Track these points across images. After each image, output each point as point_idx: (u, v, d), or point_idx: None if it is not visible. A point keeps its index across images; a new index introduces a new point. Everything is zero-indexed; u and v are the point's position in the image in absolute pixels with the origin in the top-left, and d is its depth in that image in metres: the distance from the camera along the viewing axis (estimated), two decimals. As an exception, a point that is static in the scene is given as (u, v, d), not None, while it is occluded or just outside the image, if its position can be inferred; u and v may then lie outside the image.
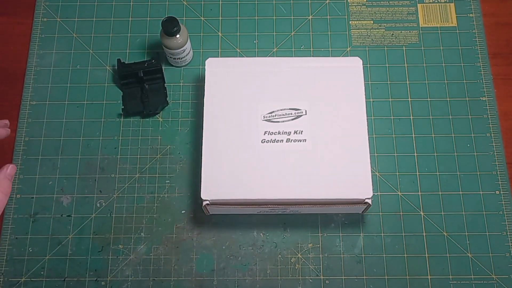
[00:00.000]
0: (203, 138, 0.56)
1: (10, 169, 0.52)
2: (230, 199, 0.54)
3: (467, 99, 0.66)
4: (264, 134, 0.56)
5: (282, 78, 0.59)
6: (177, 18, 0.61)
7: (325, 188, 0.54)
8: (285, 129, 0.56)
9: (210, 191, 0.54)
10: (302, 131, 0.56)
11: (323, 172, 0.55)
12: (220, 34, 0.69)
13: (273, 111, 0.57)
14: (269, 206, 0.55)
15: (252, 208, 0.56)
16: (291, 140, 0.56)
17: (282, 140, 0.56)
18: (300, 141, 0.56)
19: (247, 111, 0.57)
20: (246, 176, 0.54)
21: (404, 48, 0.69)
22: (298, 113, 0.57)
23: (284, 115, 0.57)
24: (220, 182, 0.54)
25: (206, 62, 0.59)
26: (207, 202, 0.54)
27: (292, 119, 0.57)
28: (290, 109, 0.57)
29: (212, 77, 0.59)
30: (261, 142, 0.56)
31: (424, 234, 0.60)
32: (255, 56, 0.68)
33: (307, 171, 0.55)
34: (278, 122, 0.57)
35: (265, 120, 0.57)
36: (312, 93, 0.58)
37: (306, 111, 0.57)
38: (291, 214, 0.60)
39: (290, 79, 0.59)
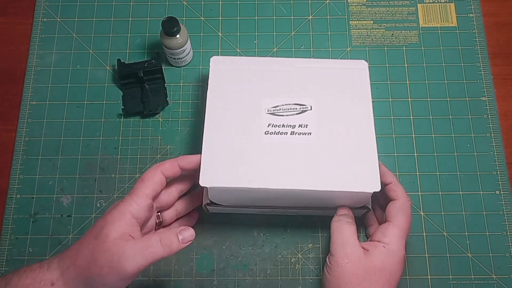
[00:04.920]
0: (205, 126, 0.55)
1: (186, 233, 0.48)
2: (229, 187, 0.52)
3: (467, 99, 0.66)
4: (268, 126, 0.55)
5: (287, 76, 0.58)
6: (177, 18, 0.61)
7: (330, 180, 0.52)
8: (289, 122, 0.55)
9: (208, 178, 0.52)
10: (307, 125, 0.55)
11: (329, 165, 0.53)
12: (220, 34, 0.69)
13: (278, 105, 0.56)
14: (268, 207, 0.55)
15: (252, 209, 0.56)
16: (296, 133, 0.54)
17: (286, 133, 0.54)
18: (305, 134, 0.54)
19: (251, 104, 0.56)
20: (247, 165, 0.53)
21: (404, 48, 0.69)
22: (303, 108, 0.56)
23: (288, 109, 0.56)
24: (220, 170, 0.52)
25: (211, 59, 0.58)
26: (208, 201, 0.54)
27: (297, 114, 0.55)
28: (295, 104, 0.56)
29: (216, 73, 0.58)
30: (265, 133, 0.54)
31: (424, 234, 0.60)
32: (255, 56, 0.67)
33: (311, 163, 0.53)
34: (283, 116, 0.55)
35: (269, 113, 0.55)
36: (317, 91, 0.57)
37: (311, 106, 0.56)
38: (292, 215, 0.60)
39: (296, 77, 0.58)
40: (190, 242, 0.48)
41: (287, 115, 0.55)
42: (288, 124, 0.55)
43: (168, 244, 0.47)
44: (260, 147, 0.54)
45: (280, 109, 0.56)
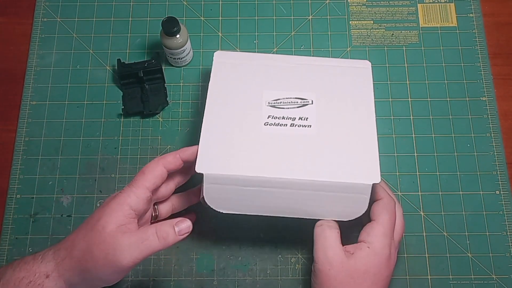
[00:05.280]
0: (204, 114, 0.54)
1: (183, 225, 0.48)
2: (225, 174, 0.51)
3: (467, 99, 0.66)
4: (268, 118, 0.54)
5: (290, 72, 0.58)
6: (177, 18, 0.61)
7: (329, 171, 0.51)
8: (289, 115, 0.55)
9: (205, 164, 0.51)
10: (307, 118, 0.54)
11: (328, 157, 0.52)
12: (220, 34, 0.69)
13: (279, 99, 0.56)
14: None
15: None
16: (295, 125, 0.54)
17: (286, 125, 0.54)
18: (305, 127, 0.54)
19: (252, 96, 0.56)
20: (245, 154, 0.52)
21: (404, 48, 0.69)
22: (304, 102, 0.55)
23: (289, 102, 0.55)
24: (217, 157, 0.52)
25: (215, 54, 0.59)
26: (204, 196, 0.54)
27: (298, 107, 0.55)
28: (296, 97, 0.56)
29: (219, 66, 0.58)
30: (264, 124, 0.54)
31: (424, 234, 0.60)
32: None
33: (310, 154, 0.52)
34: (283, 108, 0.55)
35: (270, 106, 0.55)
36: (320, 86, 0.57)
37: (312, 101, 0.56)
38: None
39: (298, 73, 0.58)
40: (187, 234, 0.48)
41: (288, 108, 0.55)
42: (288, 117, 0.54)
43: (164, 237, 0.46)
44: (258, 137, 0.53)
45: (281, 102, 0.55)
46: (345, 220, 0.52)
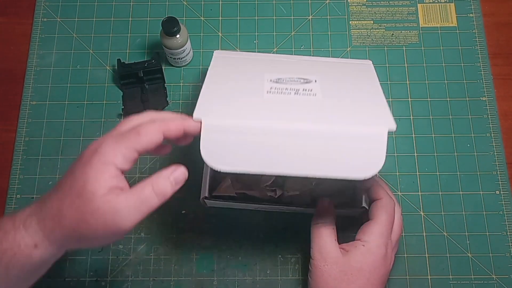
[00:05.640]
0: (206, 77, 0.52)
1: (177, 173, 0.44)
2: (226, 122, 0.46)
3: (467, 99, 0.66)
4: (270, 89, 0.51)
5: (292, 65, 0.57)
6: (177, 18, 0.61)
7: (340, 119, 0.47)
8: (293, 87, 0.52)
9: (204, 111, 0.47)
10: (311, 89, 0.52)
11: (338, 109, 0.49)
12: (220, 34, 0.69)
13: (281, 77, 0.53)
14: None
15: (251, 203, 0.56)
16: (300, 93, 0.51)
17: (290, 93, 0.51)
18: (310, 95, 0.51)
19: (254, 75, 0.54)
20: (248, 107, 0.48)
21: (404, 48, 0.69)
22: (307, 80, 0.53)
23: (292, 81, 0.53)
24: (217, 108, 0.48)
25: (214, 52, 0.58)
26: (205, 195, 0.54)
27: (301, 83, 0.53)
28: (298, 78, 0.54)
29: (219, 59, 0.57)
30: (267, 92, 0.51)
31: (424, 234, 0.60)
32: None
33: (319, 108, 0.49)
34: (286, 84, 0.53)
35: (272, 81, 0.53)
36: (323, 72, 0.56)
37: (316, 80, 0.53)
38: (291, 212, 0.60)
39: (300, 64, 0.57)
40: (183, 181, 0.45)
41: (291, 83, 0.53)
42: (292, 88, 0.52)
43: (162, 193, 0.43)
44: (261, 99, 0.50)
45: (283, 80, 0.53)
46: (360, 178, 0.45)
